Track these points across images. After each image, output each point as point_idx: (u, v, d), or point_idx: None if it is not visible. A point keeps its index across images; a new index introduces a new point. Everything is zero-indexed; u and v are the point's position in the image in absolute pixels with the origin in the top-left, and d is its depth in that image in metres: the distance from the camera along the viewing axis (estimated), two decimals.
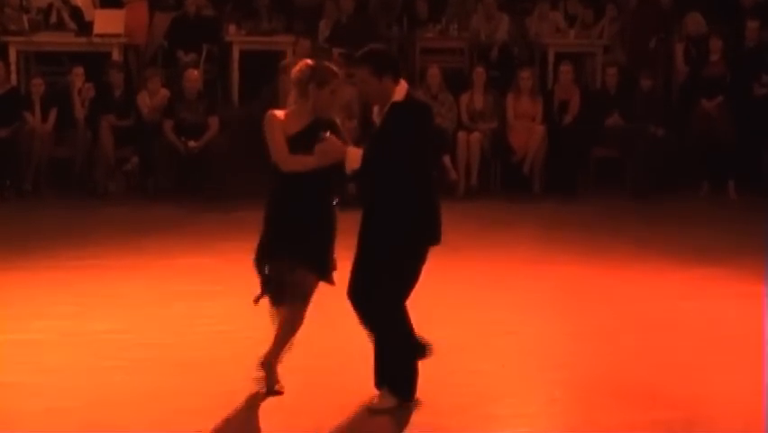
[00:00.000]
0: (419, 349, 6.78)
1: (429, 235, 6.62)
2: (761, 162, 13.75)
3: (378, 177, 6.50)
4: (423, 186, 6.60)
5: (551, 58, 14.97)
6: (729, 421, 6.89)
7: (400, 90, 6.54)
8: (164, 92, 13.73)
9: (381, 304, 6.59)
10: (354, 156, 6.44)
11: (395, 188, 6.47)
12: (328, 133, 6.53)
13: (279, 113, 6.87)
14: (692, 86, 14.18)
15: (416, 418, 6.61)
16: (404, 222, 6.49)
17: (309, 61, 6.97)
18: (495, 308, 9.08)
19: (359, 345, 6.84)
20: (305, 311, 6.82)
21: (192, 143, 13.20)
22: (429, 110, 6.78)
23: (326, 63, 7.01)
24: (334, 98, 6.86)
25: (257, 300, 6.83)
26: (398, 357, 6.68)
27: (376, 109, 6.67)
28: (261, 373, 6.90)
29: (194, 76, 13.67)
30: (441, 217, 6.65)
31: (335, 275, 6.89)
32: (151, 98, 13.70)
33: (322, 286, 6.86)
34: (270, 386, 6.89)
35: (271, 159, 6.73)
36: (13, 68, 14.18)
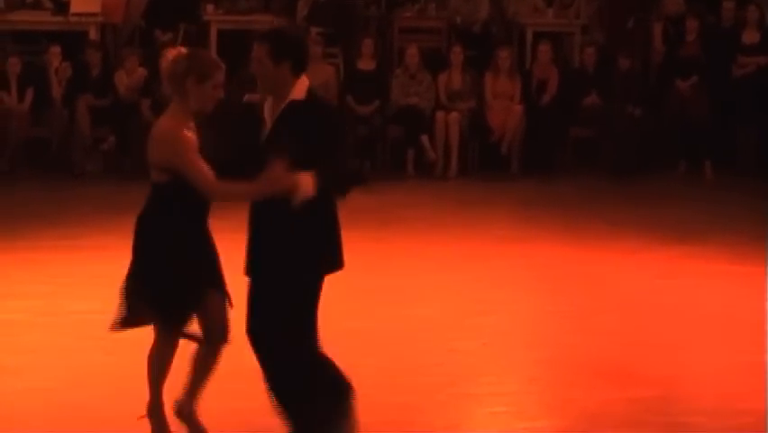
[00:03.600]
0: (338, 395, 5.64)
1: (333, 262, 5.58)
2: (737, 142, 13.79)
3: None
4: (327, 204, 5.51)
5: (529, 37, 14.94)
6: (704, 399, 6.95)
7: (300, 87, 5.50)
8: (141, 71, 13.69)
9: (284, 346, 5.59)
10: (307, 183, 5.31)
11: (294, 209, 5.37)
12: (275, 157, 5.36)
13: (181, 126, 5.80)
14: (668, 66, 14.20)
15: (392, 397, 6.63)
16: (306, 248, 5.46)
17: (184, 50, 6.03)
18: (473, 287, 9.10)
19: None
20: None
21: None
22: (335, 114, 5.99)
23: (205, 51, 6.28)
24: (217, 94, 5.87)
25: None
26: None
27: (268, 103, 5.64)
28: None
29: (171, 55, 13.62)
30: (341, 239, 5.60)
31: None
32: (129, 77, 13.66)
33: None
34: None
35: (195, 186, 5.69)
36: None
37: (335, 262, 5.56)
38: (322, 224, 5.47)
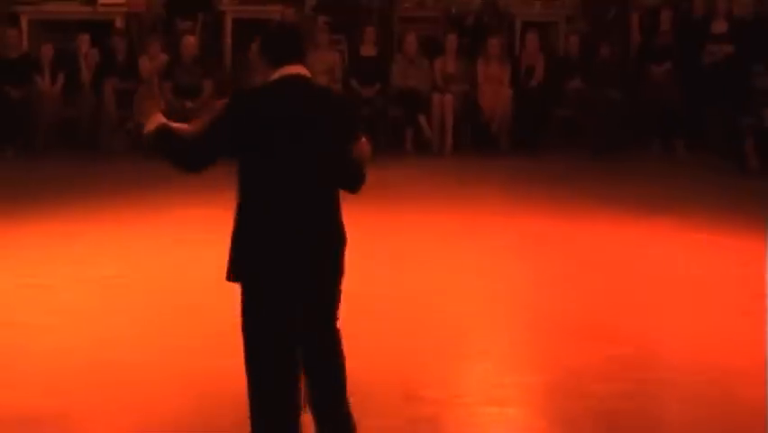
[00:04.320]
0: None
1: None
2: (706, 123, 13.77)
3: None
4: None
5: (518, 26, 14.91)
6: (676, 356, 6.95)
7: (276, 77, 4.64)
8: (163, 57, 13.65)
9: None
10: None
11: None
12: None
13: None
14: (644, 53, 14.17)
15: (388, 357, 6.61)
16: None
17: None
18: (466, 255, 9.10)
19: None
20: None
21: (189, 104, 13.15)
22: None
23: None
24: None
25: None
26: None
27: None
28: None
29: (190, 42, 13.61)
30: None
31: None
32: (151, 62, 13.62)
33: None
34: None
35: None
36: (24, 35, 14.08)
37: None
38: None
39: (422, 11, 15.40)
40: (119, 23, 14.33)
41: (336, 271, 4.75)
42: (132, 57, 13.79)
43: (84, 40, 13.68)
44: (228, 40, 14.70)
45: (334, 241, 4.71)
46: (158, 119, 4.74)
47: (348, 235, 4.77)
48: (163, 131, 4.72)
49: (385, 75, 13.85)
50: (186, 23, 14.57)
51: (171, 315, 7.51)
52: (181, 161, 4.80)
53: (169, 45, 13.93)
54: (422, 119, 13.62)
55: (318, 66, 13.17)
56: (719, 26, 13.92)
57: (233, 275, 4.63)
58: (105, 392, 6.20)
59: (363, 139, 4.76)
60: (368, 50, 13.95)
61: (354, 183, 4.82)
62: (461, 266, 8.76)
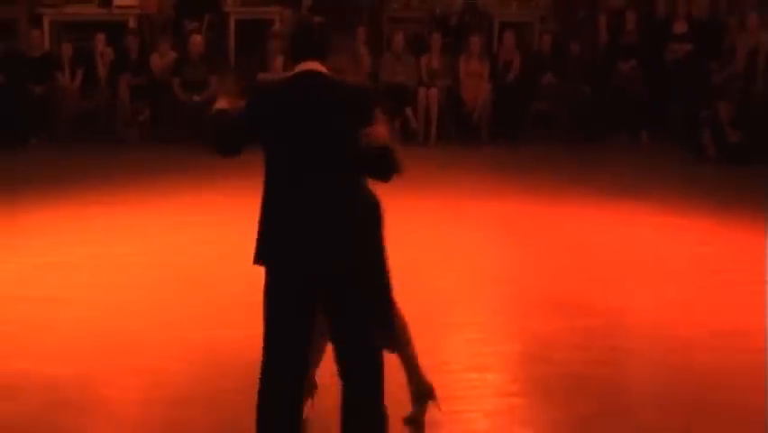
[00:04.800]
0: None
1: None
2: (668, 115, 13.75)
3: None
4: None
5: (496, 26, 14.88)
6: (640, 327, 6.96)
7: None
8: (172, 54, 13.59)
9: None
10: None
11: None
12: None
13: None
14: (611, 51, 14.14)
15: None
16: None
17: None
18: (450, 235, 9.08)
19: None
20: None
21: (196, 97, 13.09)
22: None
23: None
24: None
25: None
26: None
27: None
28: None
29: (197, 41, 13.55)
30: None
31: None
32: (162, 60, 13.56)
33: None
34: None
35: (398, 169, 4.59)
36: (46, 35, 14.03)
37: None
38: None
39: (409, 12, 15.37)
40: (132, 24, 14.26)
41: (352, 250, 4.43)
42: (144, 54, 13.72)
43: (100, 39, 13.62)
44: (232, 38, 14.65)
45: (346, 223, 4.40)
46: (221, 103, 4.65)
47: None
48: (215, 115, 4.62)
49: (374, 70, 13.79)
50: (193, 23, 14.52)
51: (177, 289, 7.49)
52: (214, 145, 4.66)
53: (177, 44, 13.88)
54: (409, 111, 13.58)
55: None
56: (680, 26, 13.91)
57: (255, 258, 4.46)
58: (118, 358, 6.21)
59: (374, 126, 4.43)
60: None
61: (380, 172, 4.50)
62: (444, 245, 8.74)
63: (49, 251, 8.41)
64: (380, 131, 4.45)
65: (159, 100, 13.38)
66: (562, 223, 9.58)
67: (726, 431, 5.41)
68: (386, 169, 4.49)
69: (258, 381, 4.50)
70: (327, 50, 4.62)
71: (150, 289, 7.48)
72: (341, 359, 4.50)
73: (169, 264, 8.08)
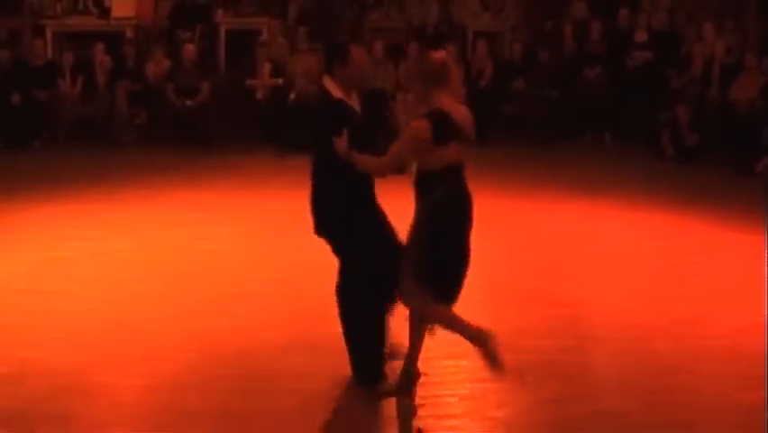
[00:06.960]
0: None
1: None
2: (629, 117, 13.79)
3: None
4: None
5: (470, 35, 14.90)
6: (606, 317, 6.96)
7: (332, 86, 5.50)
8: (166, 62, 13.54)
9: None
10: None
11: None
12: None
13: None
14: (577, 58, 14.17)
15: None
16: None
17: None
18: None
19: None
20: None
21: (188, 102, 13.04)
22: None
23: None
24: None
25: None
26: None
27: (353, 96, 5.73)
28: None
29: (190, 49, 13.50)
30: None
31: None
32: (157, 67, 13.51)
33: None
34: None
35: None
36: (49, 45, 13.99)
37: None
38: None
39: (388, 22, 15.36)
40: (129, 34, 14.22)
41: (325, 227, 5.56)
42: (140, 63, 13.67)
43: (99, 48, 13.57)
44: (222, 47, 14.63)
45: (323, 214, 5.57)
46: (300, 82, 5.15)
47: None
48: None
49: None
50: (186, 33, 14.47)
51: (174, 282, 7.45)
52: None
53: (171, 52, 13.82)
54: (387, 114, 13.54)
55: (299, 68, 13.15)
56: (641, 36, 13.94)
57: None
58: (119, 348, 6.19)
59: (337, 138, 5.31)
60: None
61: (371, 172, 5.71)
62: None
63: (51, 246, 8.36)
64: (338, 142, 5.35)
65: (154, 105, 13.35)
66: (532, 218, 9.59)
67: (683, 412, 5.44)
68: (374, 171, 5.92)
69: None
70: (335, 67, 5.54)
71: (147, 282, 7.45)
72: None
73: (166, 259, 8.04)
